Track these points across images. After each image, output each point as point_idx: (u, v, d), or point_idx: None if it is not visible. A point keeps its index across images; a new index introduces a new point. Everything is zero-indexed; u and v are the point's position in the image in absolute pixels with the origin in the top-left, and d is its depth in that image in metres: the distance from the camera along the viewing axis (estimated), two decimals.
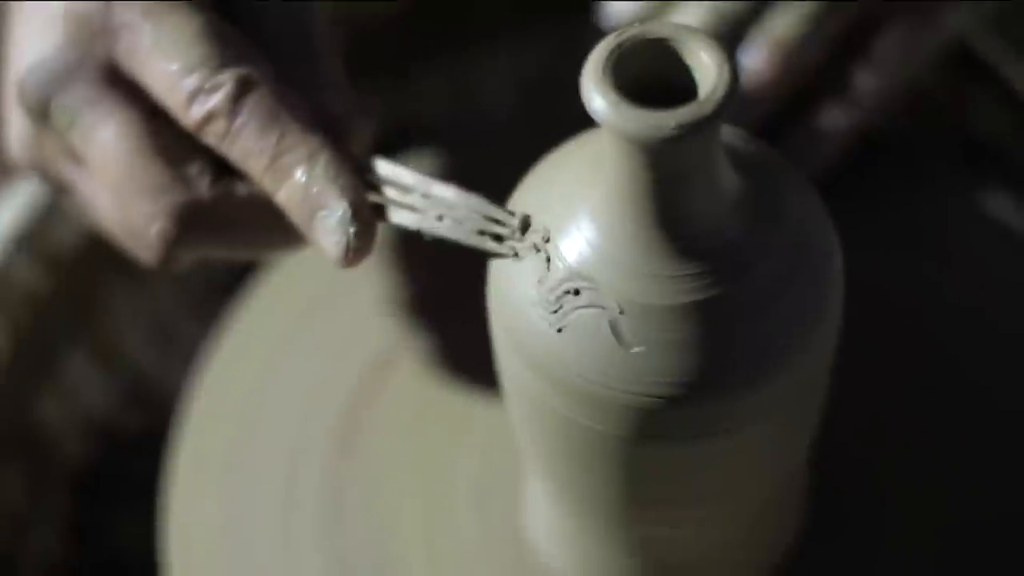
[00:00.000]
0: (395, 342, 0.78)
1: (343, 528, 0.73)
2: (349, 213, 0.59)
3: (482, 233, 0.58)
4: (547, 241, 0.57)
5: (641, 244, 0.55)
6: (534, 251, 0.57)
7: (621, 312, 0.55)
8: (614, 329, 0.55)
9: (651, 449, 0.58)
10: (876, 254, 0.77)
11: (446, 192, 0.60)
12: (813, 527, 0.70)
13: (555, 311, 0.56)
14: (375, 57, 0.88)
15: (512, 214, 0.58)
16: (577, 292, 0.56)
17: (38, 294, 0.84)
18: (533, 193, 0.59)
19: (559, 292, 0.56)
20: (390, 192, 0.61)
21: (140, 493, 0.80)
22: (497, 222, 0.58)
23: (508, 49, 0.92)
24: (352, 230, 0.59)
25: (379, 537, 0.73)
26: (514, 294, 0.58)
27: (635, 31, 0.53)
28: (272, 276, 0.81)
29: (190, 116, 0.61)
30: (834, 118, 0.76)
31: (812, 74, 0.76)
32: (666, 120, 0.51)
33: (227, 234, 0.64)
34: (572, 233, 0.56)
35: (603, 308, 0.56)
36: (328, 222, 0.60)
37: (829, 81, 0.76)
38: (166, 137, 0.63)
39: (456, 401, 0.76)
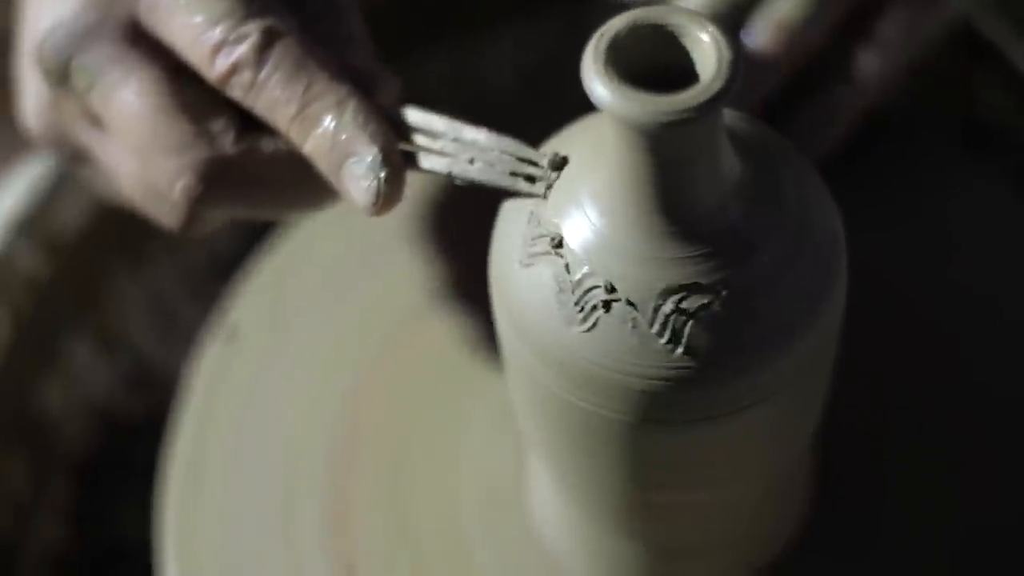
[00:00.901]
0: (400, 326, 0.78)
1: (346, 516, 0.73)
2: (380, 158, 0.59)
3: (514, 175, 0.58)
4: (559, 245, 0.56)
5: (643, 228, 0.55)
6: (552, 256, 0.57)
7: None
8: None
9: (654, 433, 0.58)
10: (877, 235, 0.77)
11: (477, 135, 0.60)
12: (815, 517, 0.70)
13: (580, 311, 0.56)
14: (376, 40, 0.88)
15: (544, 155, 0.58)
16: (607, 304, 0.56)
17: (39, 280, 0.84)
18: None
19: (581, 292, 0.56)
20: (419, 139, 0.61)
21: (142, 480, 0.80)
22: (530, 163, 0.58)
23: (511, 32, 0.92)
24: (383, 175, 0.59)
25: (383, 525, 0.73)
26: (515, 277, 0.58)
27: (636, 16, 0.53)
28: (274, 258, 0.81)
29: (215, 69, 0.61)
30: (837, 100, 0.76)
31: (815, 56, 0.75)
32: (667, 105, 0.51)
33: (252, 191, 0.64)
34: (575, 217, 0.56)
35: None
36: (358, 169, 0.59)
37: (832, 63, 0.76)
38: (189, 94, 0.62)
39: (463, 386, 0.75)
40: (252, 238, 0.85)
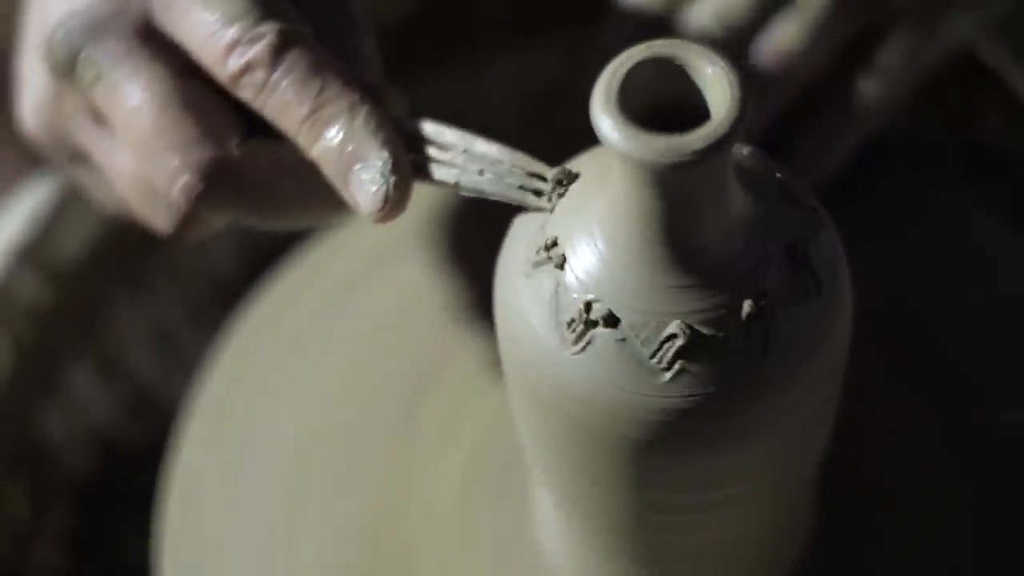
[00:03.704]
0: (398, 354, 0.78)
1: (348, 536, 0.73)
2: (390, 164, 0.59)
3: (523, 189, 0.59)
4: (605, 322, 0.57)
5: (647, 260, 0.55)
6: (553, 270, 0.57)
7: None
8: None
9: (658, 460, 0.58)
10: (878, 259, 0.77)
11: (489, 148, 0.60)
12: (819, 542, 0.70)
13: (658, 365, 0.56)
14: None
15: (552, 170, 0.58)
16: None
17: (40, 307, 0.84)
18: None
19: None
20: (430, 151, 0.61)
21: (142, 507, 0.80)
22: (539, 177, 0.59)
23: (511, 58, 0.92)
24: (392, 181, 0.59)
25: (386, 551, 0.72)
26: (525, 309, 0.58)
27: (646, 51, 0.53)
28: (275, 285, 0.81)
29: (227, 68, 0.61)
30: (838, 126, 0.76)
31: (817, 80, 0.76)
32: (676, 146, 0.51)
33: (252, 196, 0.63)
34: (583, 248, 0.56)
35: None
36: (365, 174, 0.59)
37: (833, 88, 0.76)
38: (196, 94, 0.62)
39: (469, 417, 0.75)
40: (253, 266, 0.85)
